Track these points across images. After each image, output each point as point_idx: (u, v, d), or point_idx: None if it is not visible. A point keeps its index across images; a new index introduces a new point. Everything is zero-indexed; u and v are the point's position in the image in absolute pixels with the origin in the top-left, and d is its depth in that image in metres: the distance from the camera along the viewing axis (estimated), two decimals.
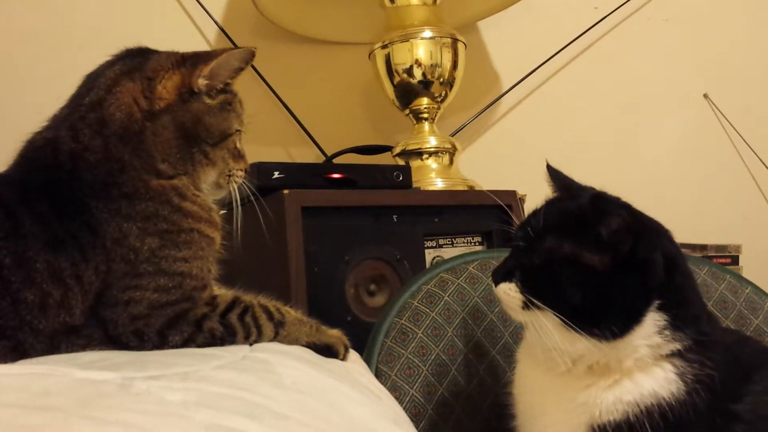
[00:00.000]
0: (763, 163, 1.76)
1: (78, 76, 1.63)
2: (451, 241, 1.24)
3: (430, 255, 1.21)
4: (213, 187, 0.69)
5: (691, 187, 1.76)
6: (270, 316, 0.65)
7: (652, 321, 0.65)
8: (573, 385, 0.68)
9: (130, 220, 0.59)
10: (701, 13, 1.82)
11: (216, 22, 1.49)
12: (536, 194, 1.31)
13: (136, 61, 0.67)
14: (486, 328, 0.92)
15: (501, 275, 0.70)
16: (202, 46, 1.53)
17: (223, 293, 0.66)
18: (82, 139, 0.62)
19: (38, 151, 0.64)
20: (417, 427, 0.81)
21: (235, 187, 0.71)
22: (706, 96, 1.80)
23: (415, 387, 0.85)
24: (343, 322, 1.08)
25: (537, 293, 0.67)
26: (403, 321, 0.88)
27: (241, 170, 0.71)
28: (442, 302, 0.91)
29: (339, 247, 1.10)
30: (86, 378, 0.40)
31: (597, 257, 0.64)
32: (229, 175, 0.70)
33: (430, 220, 1.21)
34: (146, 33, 1.48)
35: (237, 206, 0.72)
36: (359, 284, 1.12)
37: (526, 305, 0.67)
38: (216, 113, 0.67)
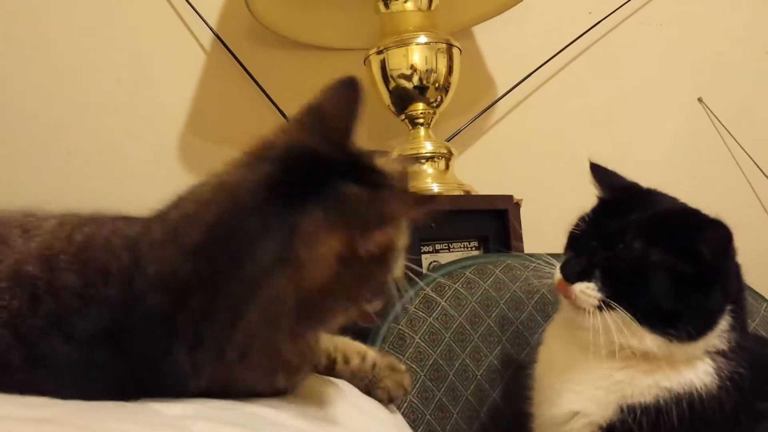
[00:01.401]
0: (757, 166, 1.76)
1: (72, 80, 1.63)
2: (448, 246, 1.24)
3: (426, 260, 1.21)
4: None
5: (685, 190, 1.75)
6: None
7: (721, 325, 0.68)
8: (611, 365, 0.70)
9: None
10: (695, 18, 1.82)
11: (210, 28, 1.49)
12: (532, 198, 1.33)
13: (286, 233, 0.44)
14: (483, 332, 0.92)
15: (576, 274, 0.71)
16: (196, 52, 1.53)
17: None
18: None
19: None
20: None
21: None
22: (700, 100, 1.80)
23: (412, 392, 0.85)
24: (340, 328, 1.08)
25: (617, 294, 0.68)
26: (400, 326, 0.88)
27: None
28: (439, 307, 0.91)
29: None
30: None
31: (688, 265, 0.67)
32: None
33: (426, 225, 1.21)
34: (140, 38, 1.49)
35: None
36: None
37: (602, 304, 0.69)
38: (380, 262, 0.48)
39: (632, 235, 0.68)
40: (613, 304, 0.68)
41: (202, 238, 0.46)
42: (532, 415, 0.78)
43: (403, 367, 0.67)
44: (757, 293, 1.02)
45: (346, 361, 0.62)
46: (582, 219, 0.75)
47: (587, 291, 0.70)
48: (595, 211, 0.75)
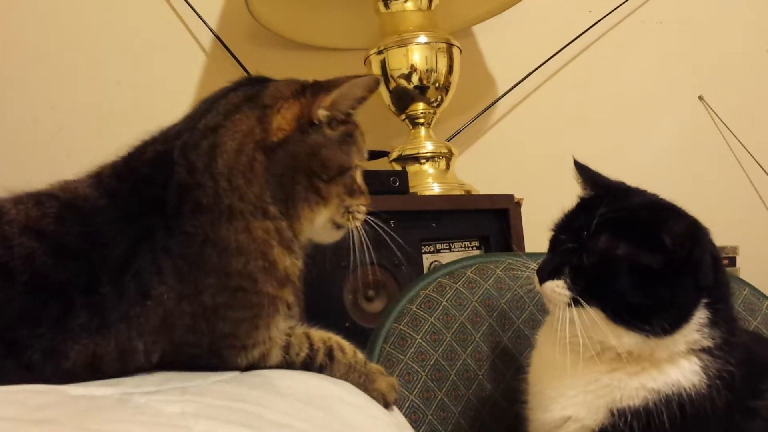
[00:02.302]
0: (758, 164, 1.76)
1: (72, 82, 1.63)
2: (449, 245, 1.24)
3: (427, 260, 1.21)
4: (326, 227, 0.64)
5: (686, 188, 1.75)
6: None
7: (697, 318, 0.67)
8: (598, 368, 0.69)
9: (210, 274, 0.54)
10: (695, 16, 1.82)
11: (210, 29, 1.49)
12: (533, 198, 1.33)
13: (254, 89, 0.62)
14: (485, 332, 0.92)
15: (548, 273, 0.71)
16: (196, 53, 1.53)
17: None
18: (196, 174, 0.56)
19: (146, 166, 0.59)
20: None
21: (357, 225, 0.65)
22: (701, 98, 1.80)
23: (414, 392, 0.85)
24: (341, 328, 1.08)
25: (587, 290, 0.68)
26: (401, 326, 0.88)
27: (363, 206, 0.65)
28: (441, 307, 0.91)
29: (336, 253, 1.09)
30: (83, 394, 0.40)
31: (654, 258, 0.65)
32: (348, 212, 0.64)
33: (428, 225, 1.21)
34: (140, 40, 1.49)
35: (354, 249, 0.65)
36: (357, 290, 1.12)
37: (573, 301, 0.68)
38: (335, 146, 0.61)
39: (597, 228, 0.68)
40: (584, 300, 0.67)
41: (193, 108, 0.63)
42: (528, 419, 0.77)
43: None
44: (758, 291, 1.02)
45: (342, 350, 0.64)
46: (561, 218, 0.75)
47: (556, 289, 0.69)
48: (572, 209, 0.75)
